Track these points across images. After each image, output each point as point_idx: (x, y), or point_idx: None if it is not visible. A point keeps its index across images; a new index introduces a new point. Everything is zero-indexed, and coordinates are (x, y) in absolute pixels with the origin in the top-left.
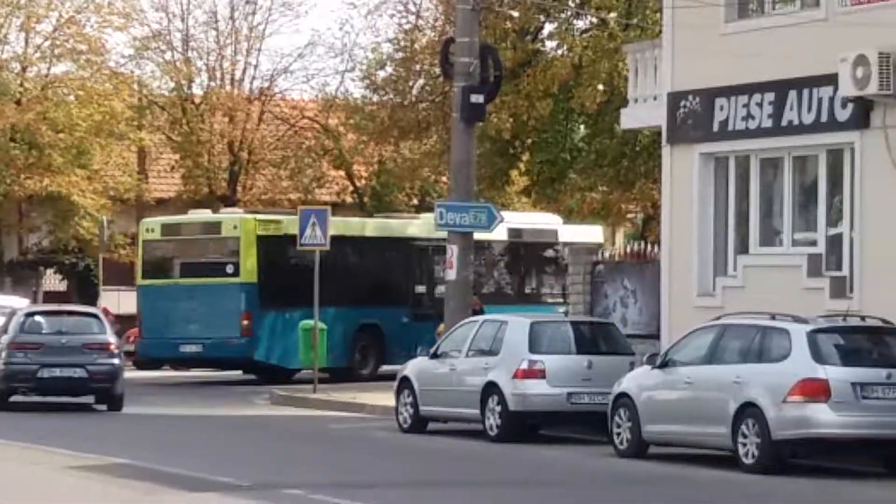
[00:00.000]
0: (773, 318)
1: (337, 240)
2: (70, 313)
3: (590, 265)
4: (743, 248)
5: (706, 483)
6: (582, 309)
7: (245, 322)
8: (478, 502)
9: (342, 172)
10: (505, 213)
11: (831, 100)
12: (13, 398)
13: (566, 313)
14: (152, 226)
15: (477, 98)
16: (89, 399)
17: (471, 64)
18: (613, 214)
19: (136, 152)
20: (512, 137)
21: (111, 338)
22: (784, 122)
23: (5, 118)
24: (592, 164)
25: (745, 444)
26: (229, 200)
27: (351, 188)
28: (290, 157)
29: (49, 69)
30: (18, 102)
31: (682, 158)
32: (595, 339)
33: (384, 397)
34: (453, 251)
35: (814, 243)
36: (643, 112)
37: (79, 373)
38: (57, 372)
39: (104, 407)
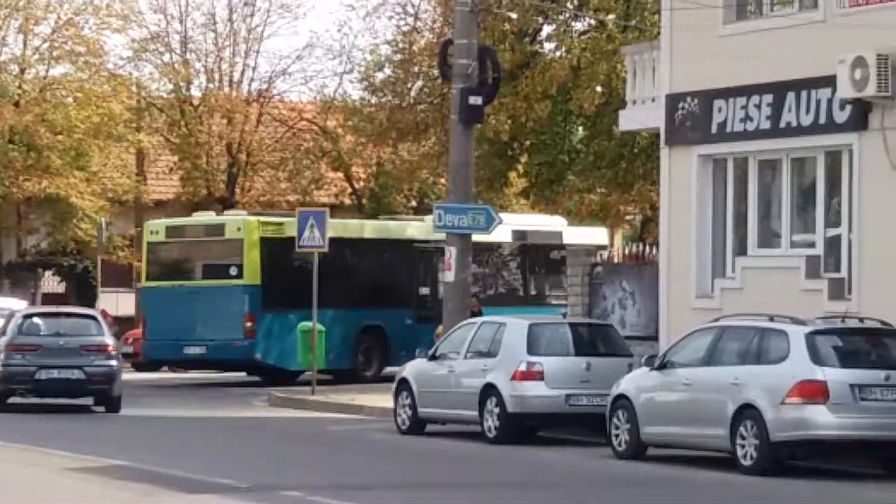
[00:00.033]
0: (771, 319)
1: (340, 242)
2: (68, 315)
3: (588, 267)
4: (741, 249)
5: (704, 485)
6: (580, 310)
7: (248, 324)
8: None
9: (340, 174)
10: (510, 216)
11: (829, 101)
12: (11, 400)
13: (564, 315)
14: (156, 228)
15: (475, 100)
16: (88, 401)
17: (469, 66)
18: (612, 216)
19: (134, 154)
20: (510, 139)
21: (109, 339)
22: (782, 124)
23: (4, 120)
24: (591, 165)
25: (743, 446)
26: (228, 202)
27: (349, 190)
28: (288, 158)
29: (47, 71)
30: (17, 104)
31: (681, 160)
32: (593, 340)
33: (382, 399)
34: (452, 253)
35: (812, 245)
36: (641, 114)
37: (76, 374)
38: (55, 374)
39: (103, 409)
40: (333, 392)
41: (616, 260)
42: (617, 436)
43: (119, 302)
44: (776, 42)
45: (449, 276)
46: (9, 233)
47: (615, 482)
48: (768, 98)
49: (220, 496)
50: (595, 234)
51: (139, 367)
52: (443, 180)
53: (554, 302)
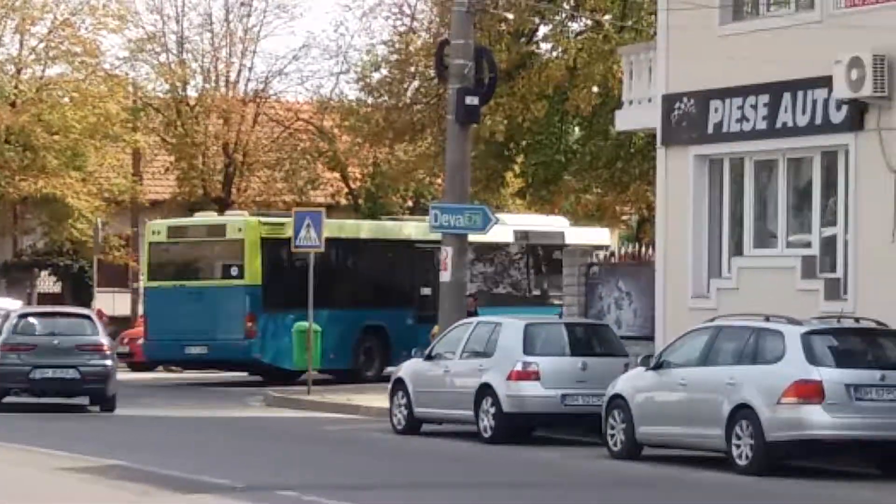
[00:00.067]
0: (767, 319)
1: (342, 242)
2: (63, 315)
3: (584, 267)
4: (737, 249)
5: (700, 485)
6: (576, 310)
7: (249, 324)
8: None
9: (337, 174)
10: (512, 216)
11: (826, 102)
12: (6, 399)
13: (560, 315)
14: (158, 228)
15: (472, 100)
16: (84, 400)
17: (465, 66)
18: (608, 216)
19: (130, 154)
20: (506, 139)
21: (104, 339)
22: (778, 124)
23: (0, 120)
24: (587, 166)
25: (738, 446)
26: (224, 202)
27: (345, 190)
28: (284, 158)
29: (44, 71)
30: (13, 104)
31: (677, 160)
32: (589, 340)
33: (378, 399)
34: (448, 253)
35: (808, 245)
36: (638, 114)
37: (71, 374)
38: (49, 373)
39: (98, 408)
40: (330, 392)
41: (612, 260)
42: (612, 436)
43: (115, 302)
44: (772, 42)
45: (445, 275)
46: (5, 233)
47: (610, 482)
48: (764, 98)
49: (216, 496)
50: (598, 235)
51: (135, 367)
52: (439, 180)
53: (557, 302)
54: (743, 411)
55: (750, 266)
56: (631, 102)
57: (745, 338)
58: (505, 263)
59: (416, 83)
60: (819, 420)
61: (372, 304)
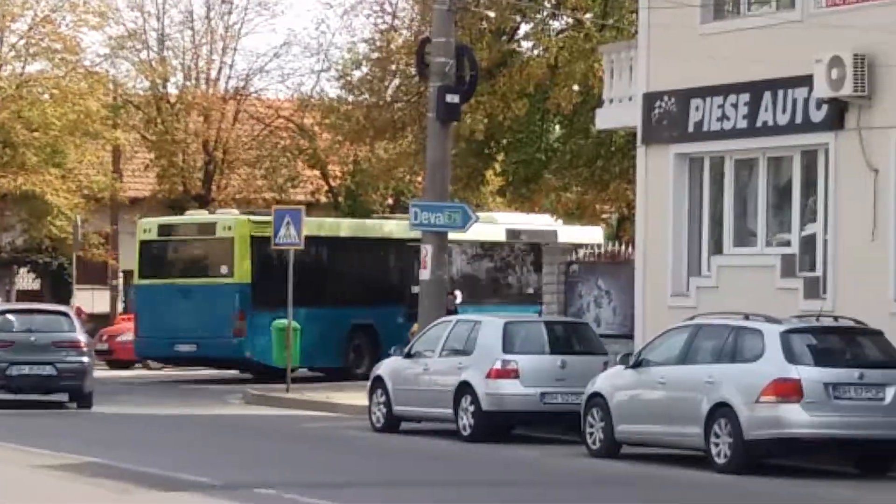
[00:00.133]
0: (746, 318)
1: (330, 240)
2: (40, 311)
3: (564, 265)
4: (717, 248)
5: (678, 483)
6: (556, 309)
7: (239, 322)
8: (450, 502)
9: (317, 172)
10: (505, 215)
11: (806, 101)
12: None
13: (539, 313)
14: (148, 226)
15: (452, 98)
16: (62, 397)
17: (447, 64)
18: (588, 215)
19: (110, 151)
20: (487, 138)
21: (80, 336)
22: (759, 123)
23: None
24: (567, 164)
25: (717, 444)
26: (204, 200)
27: (326, 188)
28: (264, 156)
29: (24, 68)
30: None
31: (657, 159)
32: (569, 338)
33: (357, 397)
34: (428, 251)
35: (788, 244)
36: (618, 112)
37: (48, 370)
38: (26, 370)
39: (75, 405)
40: (309, 390)
41: (592, 258)
42: (591, 434)
43: (94, 299)
44: (753, 41)
45: (424, 273)
46: None
47: (589, 480)
48: (745, 97)
49: (195, 494)
50: (590, 234)
51: (113, 365)
52: (419, 178)
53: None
54: (722, 410)
55: (729, 265)
56: (611, 101)
57: (724, 336)
58: (497, 262)
59: (396, 81)
60: (797, 419)
61: (361, 303)
